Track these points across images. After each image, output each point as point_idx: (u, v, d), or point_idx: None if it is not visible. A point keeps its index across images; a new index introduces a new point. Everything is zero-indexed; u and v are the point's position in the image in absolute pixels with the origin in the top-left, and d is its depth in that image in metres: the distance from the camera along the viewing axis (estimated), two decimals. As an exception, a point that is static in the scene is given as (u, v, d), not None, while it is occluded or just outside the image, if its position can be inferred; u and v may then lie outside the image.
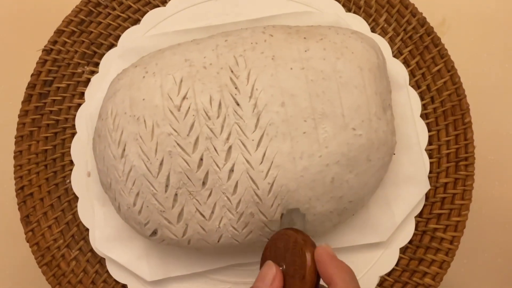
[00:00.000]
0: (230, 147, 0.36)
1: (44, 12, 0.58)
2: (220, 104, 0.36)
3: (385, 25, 0.47)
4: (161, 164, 0.36)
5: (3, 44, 0.59)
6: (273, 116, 0.36)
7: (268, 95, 0.36)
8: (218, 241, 0.38)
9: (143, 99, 0.37)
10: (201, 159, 0.36)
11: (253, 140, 0.36)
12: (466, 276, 0.53)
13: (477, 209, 0.44)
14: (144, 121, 0.37)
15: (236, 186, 0.36)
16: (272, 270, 0.31)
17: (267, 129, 0.36)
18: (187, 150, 0.36)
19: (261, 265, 0.33)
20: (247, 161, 0.36)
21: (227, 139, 0.36)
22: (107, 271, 0.44)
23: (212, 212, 0.37)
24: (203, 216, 0.37)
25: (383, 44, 0.46)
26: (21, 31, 0.58)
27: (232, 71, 0.37)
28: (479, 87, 0.49)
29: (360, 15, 0.48)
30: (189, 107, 0.36)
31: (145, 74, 0.38)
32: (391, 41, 0.47)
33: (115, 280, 0.44)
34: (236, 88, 0.37)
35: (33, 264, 0.45)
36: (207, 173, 0.36)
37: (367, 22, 0.47)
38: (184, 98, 0.37)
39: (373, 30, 0.47)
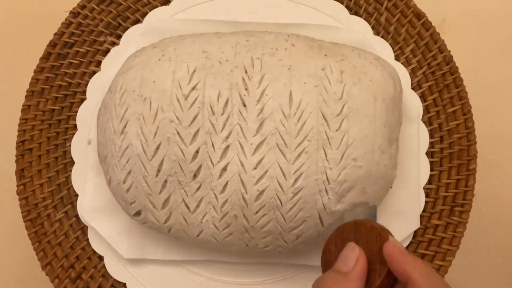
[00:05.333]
0: (227, 146, 0.36)
1: (45, 13, 0.58)
2: (227, 102, 0.36)
3: (410, 56, 0.47)
4: (157, 148, 0.37)
5: (3, 43, 0.58)
6: (277, 126, 0.36)
7: (276, 104, 0.36)
8: (197, 235, 0.38)
9: (154, 81, 0.37)
10: (197, 152, 0.36)
11: (251, 144, 0.36)
12: (466, 276, 0.52)
13: (477, 209, 0.44)
14: (150, 103, 0.37)
15: (225, 185, 0.36)
16: (354, 252, 0.28)
17: (268, 138, 0.36)
18: (185, 140, 0.36)
19: (323, 262, 0.31)
20: (241, 164, 0.36)
21: (227, 137, 0.36)
22: (87, 240, 0.45)
23: (197, 206, 0.37)
24: (188, 208, 0.37)
25: (404, 74, 0.46)
26: (22, 31, 0.58)
27: (246, 72, 0.37)
28: (479, 87, 0.49)
29: (387, 41, 0.47)
30: (196, 99, 0.36)
31: (161, 57, 0.39)
32: (412, 73, 0.46)
33: (93, 250, 0.45)
34: (246, 89, 0.37)
35: (34, 263, 0.44)
36: (200, 167, 0.36)
37: (393, 49, 0.47)
38: (193, 88, 0.37)
39: (397, 58, 0.47)
